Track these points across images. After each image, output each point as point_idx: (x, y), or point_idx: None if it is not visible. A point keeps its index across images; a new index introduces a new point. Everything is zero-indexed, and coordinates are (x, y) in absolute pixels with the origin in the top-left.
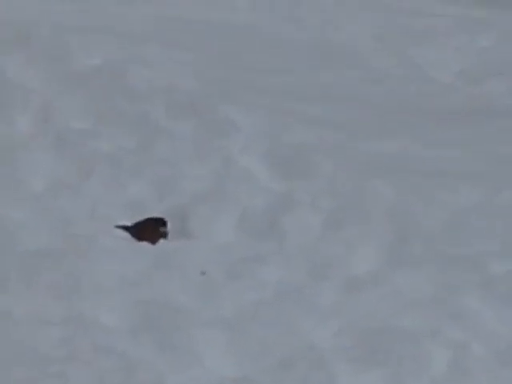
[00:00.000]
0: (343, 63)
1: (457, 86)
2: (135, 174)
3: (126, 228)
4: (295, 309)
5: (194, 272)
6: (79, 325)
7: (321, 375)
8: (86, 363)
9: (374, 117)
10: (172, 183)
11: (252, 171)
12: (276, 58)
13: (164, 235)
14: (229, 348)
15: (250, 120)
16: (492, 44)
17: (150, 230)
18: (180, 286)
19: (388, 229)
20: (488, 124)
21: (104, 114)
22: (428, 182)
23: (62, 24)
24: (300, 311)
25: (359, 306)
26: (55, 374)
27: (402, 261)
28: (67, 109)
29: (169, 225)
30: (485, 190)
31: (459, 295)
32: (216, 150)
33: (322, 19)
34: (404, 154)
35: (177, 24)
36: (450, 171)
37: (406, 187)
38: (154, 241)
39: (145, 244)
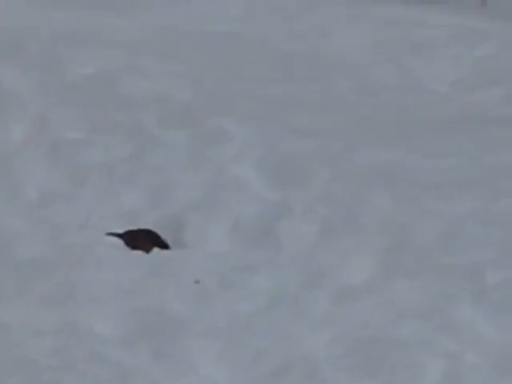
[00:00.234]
0: (339, 73)
1: (453, 96)
2: (129, 183)
3: (118, 235)
4: (289, 318)
5: (188, 281)
6: (73, 334)
7: None
8: (80, 372)
9: (370, 127)
10: (165, 192)
11: (246, 180)
12: (271, 68)
13: (165, 246)
14: (222, 356)
15: (244, 129)
16: (489, 53)
17: (143, 238)
18: (174, 294)
19: (383, 238)
20: (484, 133)
21: (98, 124)
22: (424, 191)
23: (57, 33)
24: (294, 320)
25: (353, 315)
26: (49, 382)
27: (396, 270)
28: (61, 118)
29: (162, 234)
30: (481, 198)
31: (454, 304)
32: (210, 158)
33: (317, 29)
34: (400, 163)
35: (171, 34)
36: (445, 180)
37: (402, 197)
38: (147, 250)
39: (139, 253)
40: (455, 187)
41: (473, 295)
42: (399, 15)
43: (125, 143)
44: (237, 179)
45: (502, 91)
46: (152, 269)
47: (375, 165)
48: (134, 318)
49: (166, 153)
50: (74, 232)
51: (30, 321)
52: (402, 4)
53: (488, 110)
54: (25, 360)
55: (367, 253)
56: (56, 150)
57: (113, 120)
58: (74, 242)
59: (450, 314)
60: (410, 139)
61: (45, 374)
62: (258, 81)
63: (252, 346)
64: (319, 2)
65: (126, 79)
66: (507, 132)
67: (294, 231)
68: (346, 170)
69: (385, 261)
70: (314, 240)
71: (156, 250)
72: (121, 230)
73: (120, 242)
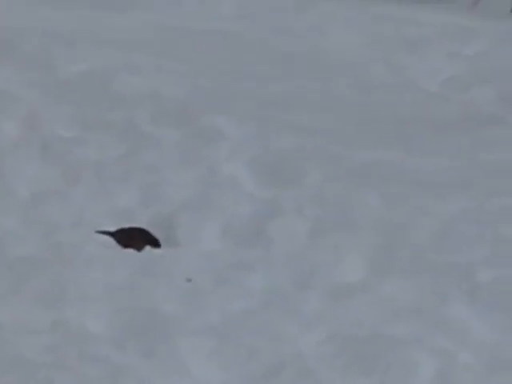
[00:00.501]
0: (333, 72)
1: (448, 95)
2: (122, 182)
3: (110, 233)
4: (282, 316)
5: (180, 279)
6: (65, 332)
7: (308, 383)
8: (71, 370)
9: (366, 126)
10: (158, 190)
11: (238, 179)
12: (264, 66)
13: (156, 244)
14: (215, 355)
15: (237, 128)
16: (482, 51)
17: (135, 236)
18: (166, 293)
19: (375, 237)
20: (478, 131)
21: (91, 122)
22: (416, 190)
23: (49, 31)
24: (287, 319)
25: (346, 314)
26: (41, 380)
27: (389, 269)
28: (54, 116)
29: (155, 233)
30: (474, 197)
31: (447, 303)
32: (202, 157)
33: (310, 28)
34: (395, 163)
35: (165, 33)
36: (439, 179)
37: (395, 196)
38: (139, 248)
39: (130, 251)
40: (449, 186)
41: (466, 294)
42: (394, 14)
43: (118, 142)
44: (229, 178)
45: (493, 90)
46: (144, 267)
47: (368, 164)
48: (126, 317)
49: (159, 151)
50: (67, 230)
51: (24, 319)
52: (397, 3)
53: (482, 110)
54: (19, 358)
55: (360, 251)
56: (49, 147)
57: (106, 118)
58: (67, 241)
59: (444, 312)
60: (405, 138)
61: (39, 371)
62: (257, 80)
63: (244, 344)
64: (317, 1)
65: (119, 77)
66: (501, 131)
67: (287, 230)
68: (339, 169)
69: (378, 260)
70: (306, 239)
71: (148, 248)
72: (113, 229)
73: (112, 241)
